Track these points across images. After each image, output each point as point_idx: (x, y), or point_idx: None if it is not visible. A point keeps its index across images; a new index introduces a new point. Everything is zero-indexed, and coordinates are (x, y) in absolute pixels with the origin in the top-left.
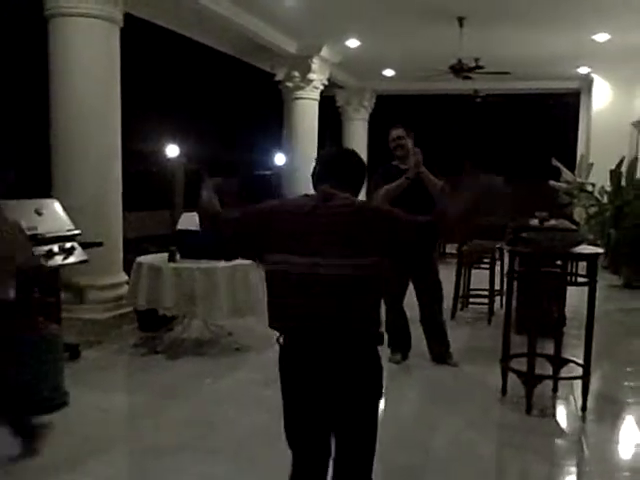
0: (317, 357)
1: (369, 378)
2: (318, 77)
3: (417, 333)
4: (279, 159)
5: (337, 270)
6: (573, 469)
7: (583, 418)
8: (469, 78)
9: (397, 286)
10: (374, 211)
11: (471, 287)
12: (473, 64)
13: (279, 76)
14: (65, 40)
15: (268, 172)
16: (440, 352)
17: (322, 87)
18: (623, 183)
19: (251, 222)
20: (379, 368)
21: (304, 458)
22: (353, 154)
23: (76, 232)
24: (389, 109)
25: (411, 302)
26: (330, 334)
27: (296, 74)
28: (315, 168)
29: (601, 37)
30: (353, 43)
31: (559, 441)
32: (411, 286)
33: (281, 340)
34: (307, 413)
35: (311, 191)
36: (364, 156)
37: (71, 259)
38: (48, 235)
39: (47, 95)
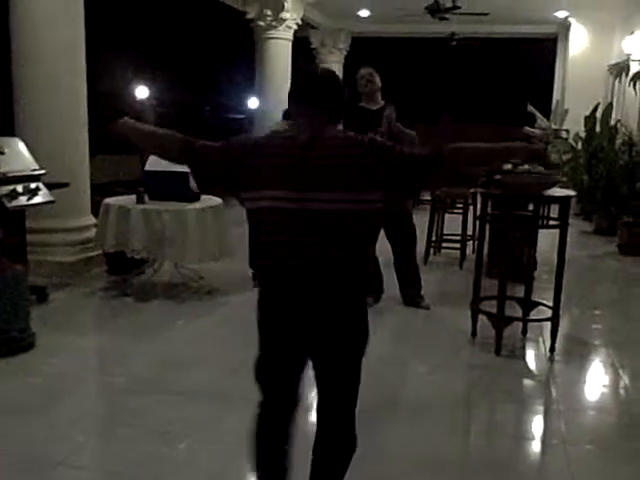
0: (301, 299)
1: (353, 324)
2: (291, 16)
3: (390, 277)
4: (252, 102)
5: (330, 205)
6: (540, 408)
7: (551, 359)
8: (445, 19)
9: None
10: (373, 144)
11: (444, 232)
12: (450, 4)
13: (250, 14)
14: None
15: (241, 116)
16: (412, 295)
17: (295, 27)
18: (598, 129)
19: (235, 154)
20: (364, 314)
21: (273, 401)
22: (334, 76)
23: (41, 172)
24: (364, 51)
25: (384, 246)
26: (316, 275)
27: (268, 13)
28: (291, 94)
29: None
30: None
31: (527, 381)
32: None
33: (263, 280)
34: (284, 355)
35: None
36: None
37: (36, 200)
38: (11, 174)
39: (7, 32)
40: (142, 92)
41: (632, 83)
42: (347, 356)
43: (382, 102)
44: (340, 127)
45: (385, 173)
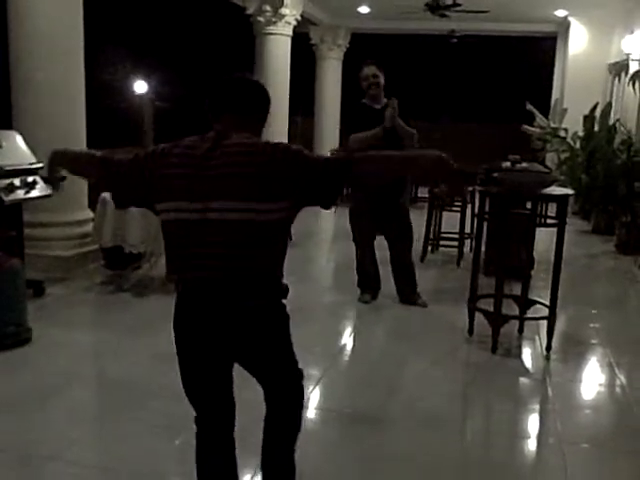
0: (212, 306)
1: (270, 328)
2: (291, 12)
3: (387, 274)
4: None
5: (230, 215)
6: (536, 407)
7: (547, 358)
8: (445, 16)
9: (367, 227)
10: (277, 150)
11: (442, 230)
12: (450, 1)
13: (250, 10)
14: None
15: None
16: (408, 293)
17: (295, 23)
18: (596, 129)
19: (143, 165)
20: (283, 318)
21: (207, 413)
22: (254, 83)
23: (38, 165)
24: (364, 48)
25: (381, 243)
26: (221, 286)
27: (268, 8)
28: (208, 100)
29: None
30: None
31: (523, 380)
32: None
33: (179, 288)
34: (205, 364)
35: (281, 128)
36: (338, 96)
37: (33, 193)
38: (8, 168)
39: (5, 25)
40: (141, 87)
41: (631, 82)
42: (271, 359)
43: (385, 99)
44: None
45: (290, 181)
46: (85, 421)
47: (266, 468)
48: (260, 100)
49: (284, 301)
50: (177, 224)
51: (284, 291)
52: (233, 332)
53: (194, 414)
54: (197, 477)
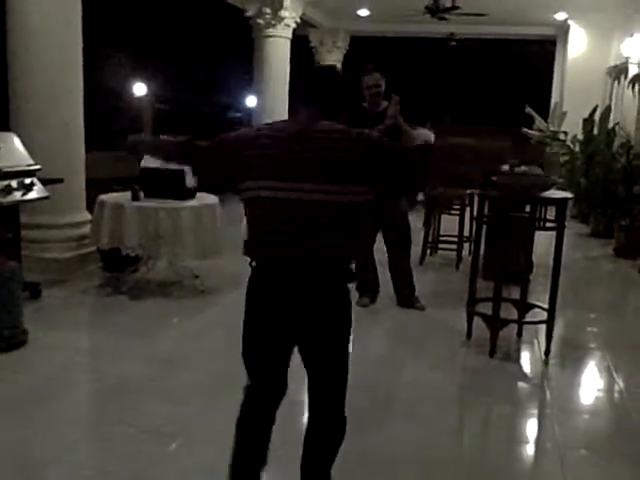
0: (286, 286)
1: (337, 312)
2: (290, 14)
3: (386, 277)
4: (251, 101)
5: (313, 196)
6: (534, 411)
7: (546, 362)
8: (445, 19)
9: (366, 231)
10: (362, 138)
11: (441, 233)
12: (449, 4)
13: (250, 12)
14: None
15: (239, 114)
16: (406, 296)
17: (294, 25)
18: (595, 132)
19: (229, 148)
20: (348, 303)
21: (259, 385)
22: (334, 74)
23: (36, 167)
24: (363, 51)
25: (380, 247)
26: (300, 264)
27: (267, 11)
28: (298, 88)
29: None
30: None
31: (522, 384)
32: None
33: (254, 264)
34: (269, 338)
35: None
36: None
37: (31, 195)
38: (6, 170)
39: (3, 28)
40: (140, 89)
41: (631, 86)
42: (333, 343)
43: (386, 102)
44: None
45: (372, 167)
46: (82, 424)
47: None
48: (342, 94)
49: (350, 285)
50: (262, 201)
51: (352, 276)
52: (302, 311)
53: (247, 382)
54: (234, 444)
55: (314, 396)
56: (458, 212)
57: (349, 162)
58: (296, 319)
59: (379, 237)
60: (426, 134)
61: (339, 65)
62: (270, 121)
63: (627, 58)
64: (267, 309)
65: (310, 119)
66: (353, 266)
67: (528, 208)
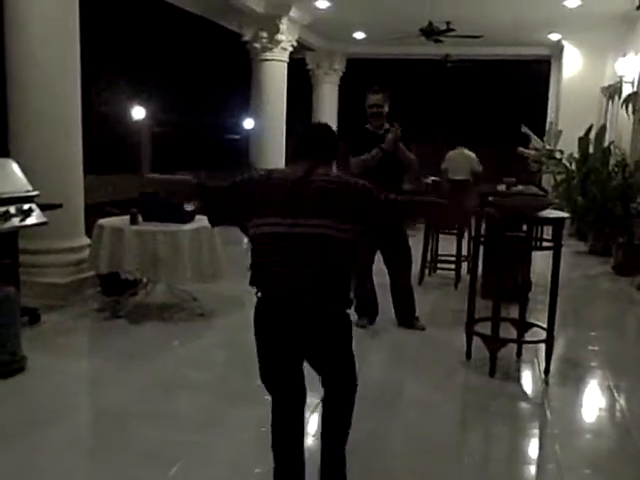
0: (290, 313)
1: (338, 331)
2: (287, 38)
3: (385, 298)
4: (248, 123)
5: (312, 229)
6: (535, 431)
7: (546, 381)
8: (440, 41)
9: (365, 252)
10: (353, 185)
11: (439, 253)
12: (444, 27)
13: (246, 36)
14: None
15: (236, 136)
16: (406, 317)
17: (291, 49)
18: (591, 150)
19: (242, 191)
20: (347, 325)
21: (280, 397)
22: (328, 130)
23: (34, 193)
24: (360, 73)
25: (379, 268)
26: (301, 290)
27: (264, 35)
28: (293, 143)
29: (572, 3)
30: (322, 4)
31: (522, 404)
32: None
33: (259, 294)
34: (280, 359)
35: (277, 154)
36: (334, 120)
37: (29, 221)
38: (4, 196)
39: (2, 53)
40: (139, 112)
41: (624, 105)
42: (336, 354)
43: (387, 125)
44: (333, 168)
45: (363, 213)
46: (80, 450)
47: (324, 456)
48: (334, 147)
49: (348, 311)
50: (268, 236)
51: (349, 302)
52: (306, 334)
53: (271, 400)
54: (272, 443)
55: (326, 381)
56: (456, 232)
57: (344, 205)
58: (301, 341)
59: (379, 257)
60: (412, 160)
61: (336, 87)
62: (274, 167)
63: (621, 77)
64: (274, 336)
65: (310, 167)
66: (351, 294)
67: (525, 227)
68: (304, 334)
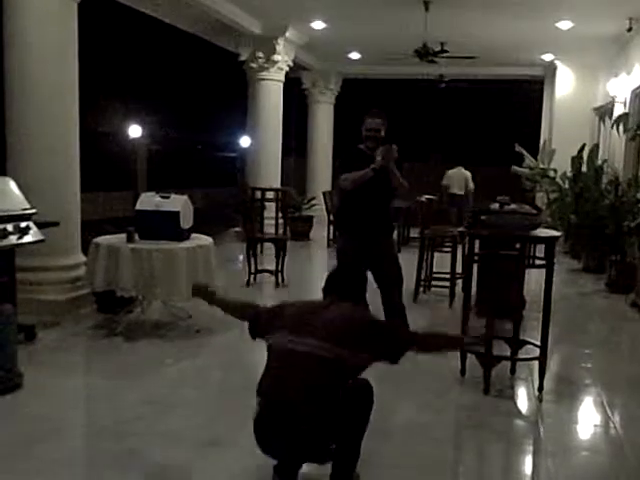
0: (283, 427)
1: (321, 450)
2: (283, 58)
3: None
4: (244, 141)
5: (310, 348)
6: (530, 448)
7: (540, 399)
8: (434, 62)
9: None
10: (365, 321)
11: (434, 270)
12: (438, 48)
13: (243, 56)
14: (19, 16)
15: (232, 154)
16: None
17: (287, 69)
18: (584, 169)
19: (277, 314)
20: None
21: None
22: (350, 276)
23: (31, 211)
24: (355, 93)
25: (371, 286)
26: (290, 404)
27: (260, 55)
28: (325, 287)
29: (564, 25)
30: (318, 25)
31: (516, 421)
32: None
33: (258, 399)
34: (277, 452)
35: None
36: (330, 138)
37: (26, 239)
38: (1, 214)
39: (1, 72)
40: (135, 131)
41: (616, 125)
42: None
43: (381, 147)
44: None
45: (367, 346)
46: (78, 467)
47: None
48: (350, 288)
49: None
50: (274, 349)
51: (329, 453)
52: (296, 446)
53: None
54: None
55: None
56: (450, 250)
57: (350, 335)
58: (291, 450)
59: (370, 276)
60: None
61: (331, 106)
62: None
63: (613, 97)
64: (270, 440)
65: (328, 302)
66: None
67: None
68: (295, 447)
